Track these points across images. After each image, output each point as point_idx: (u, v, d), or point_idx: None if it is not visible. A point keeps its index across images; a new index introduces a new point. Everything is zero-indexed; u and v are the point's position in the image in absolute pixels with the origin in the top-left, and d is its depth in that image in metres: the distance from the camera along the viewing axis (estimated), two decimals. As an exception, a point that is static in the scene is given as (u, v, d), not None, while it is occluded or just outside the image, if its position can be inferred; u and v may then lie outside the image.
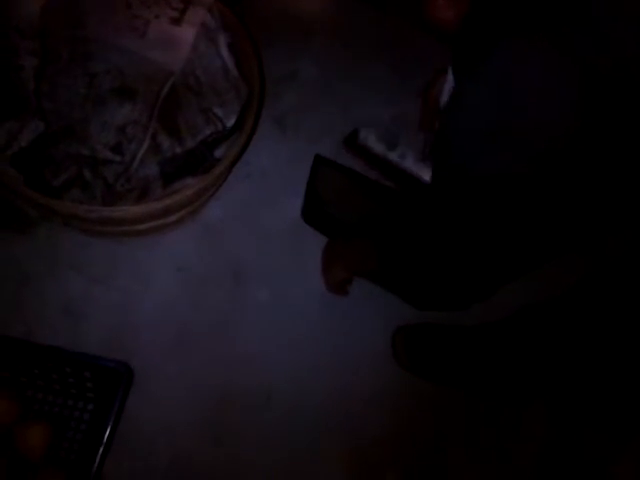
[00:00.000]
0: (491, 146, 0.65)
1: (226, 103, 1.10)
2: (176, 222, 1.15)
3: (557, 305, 0.89)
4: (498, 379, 1.06)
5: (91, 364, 0.95)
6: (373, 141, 1.20)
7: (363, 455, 1.08)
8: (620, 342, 0.81)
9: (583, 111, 0.60)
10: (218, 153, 1.12)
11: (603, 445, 1.07)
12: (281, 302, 1.16)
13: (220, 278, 1.17)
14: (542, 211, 0.69)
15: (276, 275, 1.18)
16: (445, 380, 1.11)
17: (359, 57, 1.36)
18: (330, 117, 1.30)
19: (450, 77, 0.96)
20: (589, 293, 0.83)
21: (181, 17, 1.12)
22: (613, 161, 0.65)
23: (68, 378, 0.99)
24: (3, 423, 0.95)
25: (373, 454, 1.08)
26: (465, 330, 1.09)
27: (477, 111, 0.66)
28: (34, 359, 0.97)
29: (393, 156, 1.19)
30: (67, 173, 1.09)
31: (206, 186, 1.07)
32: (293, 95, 1.31)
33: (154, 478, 1.03)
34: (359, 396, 1.10)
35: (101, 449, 0.91)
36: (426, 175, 1.21)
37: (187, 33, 1.13)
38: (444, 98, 1.06)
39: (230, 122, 1.09)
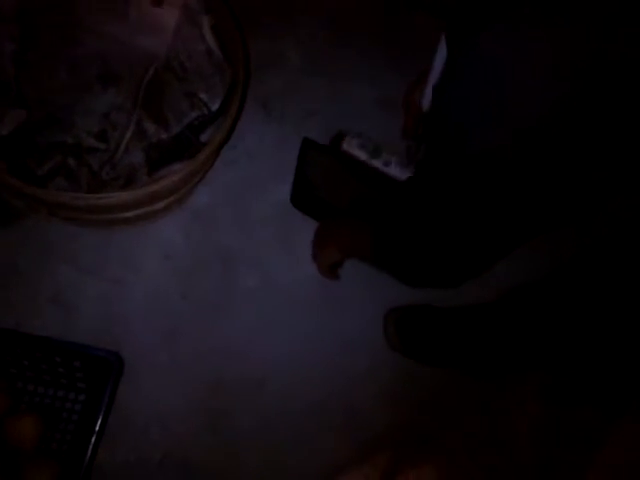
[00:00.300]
0: (486, 121, 0.64)
1: (211, 87, 1.09)
2: (164, 209, 1.14)
3: (549, 283, 0.89)
4: (491, 358, 1.06)
5: (81, 354, 0.94)
6: (356, 150, 1.19)
7: (359, 439, 1.08)
8: (612, 318, 0.81)
9: (583, 93, 0.59)
10: (204, 137, 1.10)
11: (594, 421, 1.07)
12: (271, 288, 1.15)
13: (209, 265, 1.16)
14: (535, 188, 0.68)
15: (266, 260, 1.17)
16: (437, 361, 1.11)
17: (344, 39, 1.34)
18: (316, 99, 1.28)
19: (443, 49, 0.94)
20: (581, 269, 0.83)
21: (162, -2, 1.10)
22: (610, 140, 0.64)
23: (58, 368, 0.98)
24: (-7, 415, 0.95)
25: (369, 437, 1.08)
26: (457, 311, 1.09)
27: (471, 84, 0.65)
28: (23, 350, 0.95)
29: (377, 163, 1.19)
30: (51, 162, 1.07)
31: (192, 171, 1.05)
32: (278, 78, 1.29)
33: (148, 468, 1.03)
34: (353, 380, 1.10)
35: (93, 439, 0.90)
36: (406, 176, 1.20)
37: (169, 16, 1.11)
38: (426, 103, 1.06)
39: (215, 106, 1.07)
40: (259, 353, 1.10)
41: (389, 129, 1.24)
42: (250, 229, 1.18)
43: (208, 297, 1.13)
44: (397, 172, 1.18)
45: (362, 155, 1.18)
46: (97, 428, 0.90)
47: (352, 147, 1.18)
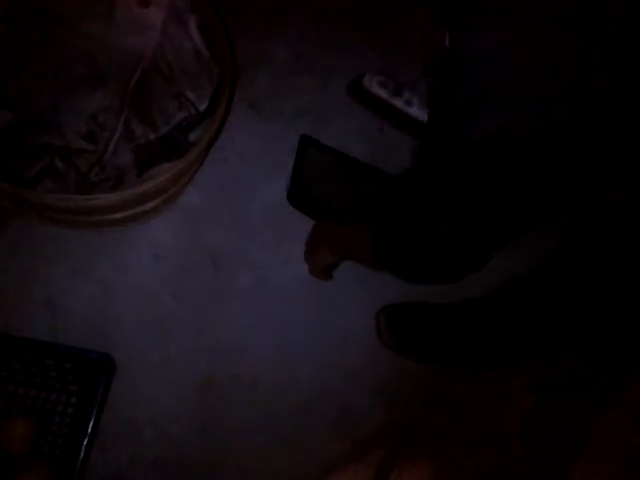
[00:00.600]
0: (488, 107, 0.63)
1: (198, 87, 1.08)
2: (153, 210, 1.13)
3: (538, 275, 0.89)
4: (483, 353, 1.06)
5: (72, 356, 0.94)
6: (377, 87, 1.17)
7: (352, 437, 1.08)
8: (602, 308, 0.80)
9: (591, 80, 0.59)
10: (192, 137, 1.10)
11: (584, 411, 1.08)
12: (263, 287, 1.15)
13: (200, 265, 1.15)
14: (534, 176, 0.67)
15: (256, 260, 1.17)
16: (429, 357, 1.11)
17: (334, 35, 1.33)
18: (305, 98, 1.28)
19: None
20: (570, 261, 0.82)
21: (148, -2, 1.09)
22: (613, 131, 0.63)
23: (49, 371, 0.97)
24: (-16, 419, 0.94)
25: (361, 436, 1.08)
26: (449, 307, 1.09)
27: (472, 68, 0.64)
28: (13, 352, 0.95)
29: (398, 102, 1.16)
30: (39, 163, 1.07)
31: (181, 171, 1.05)
32: (267, 76, 1.28)
33: (140, 468, 1.02)
34: (346, 377, 1.10)
35: (85, 441, 0.90)
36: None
37: (155, 15, 1.11)
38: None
39: (203, 106, 1.07)
40: (251, 352, 1.10)
41: (378, 126, 1.24)
42: (240, 228, 1.18)
43: (199, 297, 1.13)
44: (418, 112, 1.15)
45: (382, 93, 1.15)
46: (89, 430, 0.90)
47: (372, 85, 1.16)
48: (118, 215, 1.09)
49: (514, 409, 1.11)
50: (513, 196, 0.71)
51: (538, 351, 1.01)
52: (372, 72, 1.17)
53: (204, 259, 1.16)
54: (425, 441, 1.09)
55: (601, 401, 1.08)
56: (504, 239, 0.80)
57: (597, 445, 1.06)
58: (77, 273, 1.13)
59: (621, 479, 1.05)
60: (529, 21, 0.60)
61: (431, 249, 0.80)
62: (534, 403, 1.11)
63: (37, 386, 1.01)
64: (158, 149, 1.08)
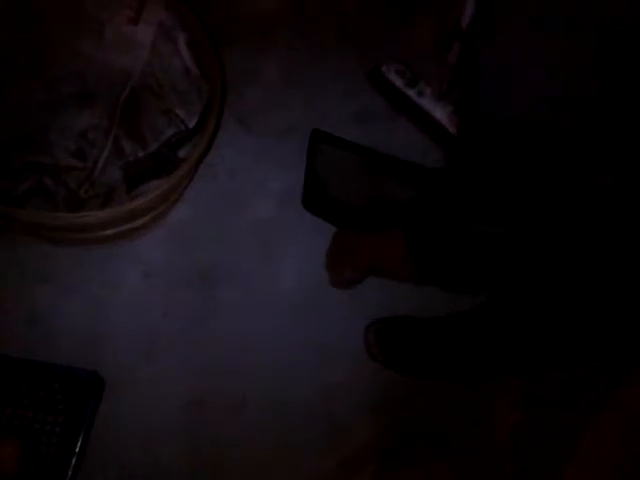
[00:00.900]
0: (521, 82, 0.61)
1: (187, 103, 1.09)
2: (143, 226, 1.13)
3: (526, 287, 0.86)
4: (471, 366, 1.06)
5: (60, 375, 0.94)
6: (394, 75, 1.19)
7: (342, 452, 1.07)
8: (596, 308, 0.76)
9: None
10: (181, 153, 1.10)
11: (573, 425, 1.08)
12: (252, 303, 1.15)
13: (189, 281, 1.15)
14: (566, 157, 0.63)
15: (246, 275, 1.16)
16: (418, 372, 1.11)
17: (322, 51, 1.34)
18: (294, 113, 1.28)
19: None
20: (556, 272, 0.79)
21: (137, 16, 1.10)
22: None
23: (37, 390, 0.97)
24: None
25: (349, 452, 1.07)
26: (437, 320, 1.09)
27: (506, 44, 0.62)
28: (1, 372, 0.94)
29: (411, 92, 1.18)
30: (28, 181, 1.06)
31: (170, 188, 1.05)
32: (256, 92, 1.29)
33: (131, 487, 1.02)
34: (335, 392, 1.10)
35: (73, 461, 0.90)
36: (438, 113, 1.19)
37: (145, 33, 1.11)
38: (466, 20, 1.00)
39: (192, 122, 1.07)
40: (240, 368, 1.10)
41: (368, 142, 1.25)
42: (229, 244, 1.18)
43: (187, 313, 1.13)
44: (429, 104, 1.17)
45: (398, 82, 1.18)
46: (77, 450, 0.90)
47: (390, 72, 1.19)
48: (108, 232, 1.09)
49: (503, 424, 1.11)
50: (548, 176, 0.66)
51: (528, 361, 0.99)
52: (392, 60, 1.21)
53: (194, 275, 1.16)
54: (413, 457, 1.09)
55: (588, 415, 1.08)
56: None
57: (585, 456, 1.06)
58: (66, 290, 1.12)
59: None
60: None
61: (483, 255, 0.73)
62: (523, 417, 1.11)
63: (25, 406, 1.00)
64: (147, 166, 1.08)
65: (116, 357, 1.08)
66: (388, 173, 1.06)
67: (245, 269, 1.17)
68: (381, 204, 1.04)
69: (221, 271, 1.16)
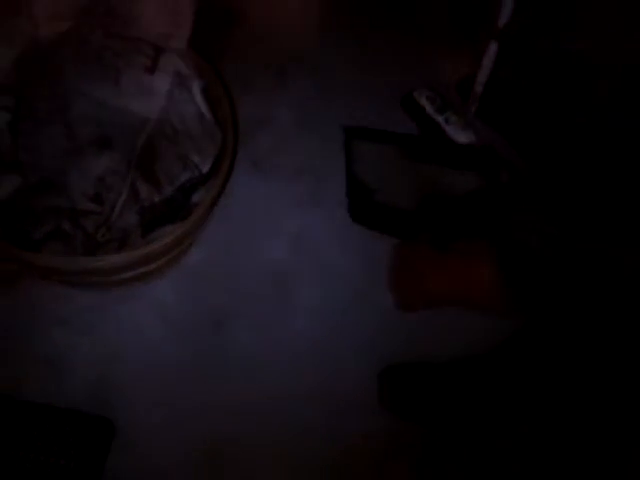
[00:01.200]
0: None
1: (202, 149, 1.11)
2: (158, 270, 1.14)
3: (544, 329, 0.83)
4: (486, 416, 1.03)
5: (72, 420, 0.94)
6: (425, 100, 1.24)
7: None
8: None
9: None
10: (195, 198, 1.12)
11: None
12: (267, 347, 1.14)
13: (204, 325, 1.15)
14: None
15: (261, 318, 1.16)
16: (429, 421, 1.07)
17: (336, 97, 1.37)
18: (307, 157, 1.30)
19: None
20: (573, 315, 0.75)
21: (154, 65, 1.13)
22: None
23: (49, 434, 0.97)
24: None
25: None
26: (452, 365, 1.07)
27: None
28: (14, 415, 0.95)
29: (439, 118, 1.21)
30: (47, 225, 1.09)
31: (185, 232, 1.07)
32: (269, 137, 1.31)
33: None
34: (345, 441, 1.08)
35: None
36: (461, 139, 1.21)
37: (161, 81, 1.14)
38: (504, 18, 1.03)
39: (206, 168, 1.09)
40: (252, 414, 1.09)
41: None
42: (243, 287, 1.18)
43: (202, 357, 1.13)
44: (453, 131, 1.19)
45: (428, 107, 1.22)
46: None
47: (421, 97, 1.24)
48: (123, 275, 1.10)
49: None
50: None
51: (540, 410, 0.96)
52: (424, 87, 1.28)
53: (208, 318, 1.16)
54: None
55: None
56: None
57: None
58: (81, 333, 1.13)
59: None
60: None
61: (601, 277, 0.62)
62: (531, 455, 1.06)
63: (36, 450, 1.00)
64: (162, 211, 1.10)
65: (129, 401, 1.07)
66: (436, 159, 1.01)
67: (259, 311, 1.17)
68: (435, 201, 0.95)
69: (235, 314, 1.16)
